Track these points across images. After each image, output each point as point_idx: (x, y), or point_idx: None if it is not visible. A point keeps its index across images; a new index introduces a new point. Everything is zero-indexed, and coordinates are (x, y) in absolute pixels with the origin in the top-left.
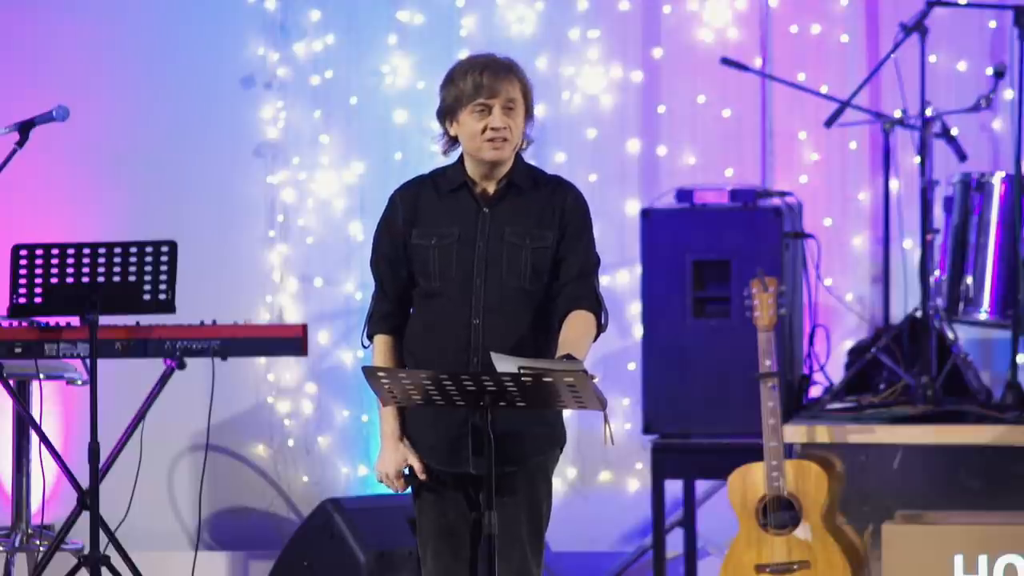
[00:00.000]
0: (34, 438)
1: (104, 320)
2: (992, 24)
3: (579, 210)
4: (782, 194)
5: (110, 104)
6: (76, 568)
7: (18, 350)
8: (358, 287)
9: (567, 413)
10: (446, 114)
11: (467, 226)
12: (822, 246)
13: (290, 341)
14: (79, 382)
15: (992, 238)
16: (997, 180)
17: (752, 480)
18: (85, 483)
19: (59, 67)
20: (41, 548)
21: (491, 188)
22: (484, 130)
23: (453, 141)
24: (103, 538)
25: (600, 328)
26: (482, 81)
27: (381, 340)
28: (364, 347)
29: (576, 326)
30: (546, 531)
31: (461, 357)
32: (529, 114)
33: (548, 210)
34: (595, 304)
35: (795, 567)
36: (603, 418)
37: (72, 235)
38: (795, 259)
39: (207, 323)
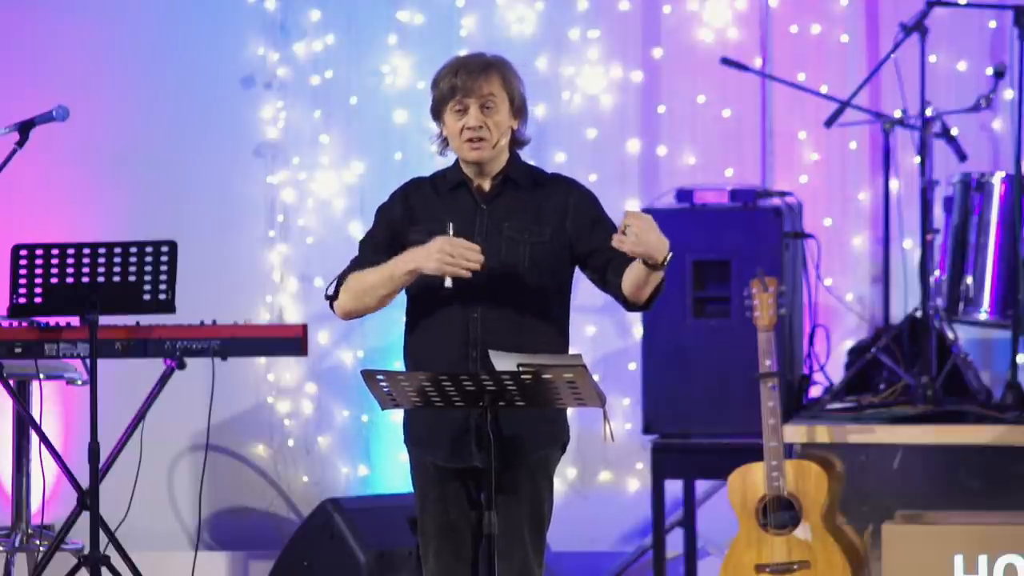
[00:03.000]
0: (34, 438)
1: (104, 320)
2: (992, 24)
3: (588, 202)
4: (782, 194)
5: (110, 104)
6: (76, 568)
7: (18, 350)
8: None
9: (568, 413)
10: (435, 116)
11: (465, 222)
12: (822, 246)
13: (290, 341)
14: (79, 382)
15: (992, 238)
16: (997, 180)
17: (752, 480)
18: (85, 483)
19: (59, 67)
20: (41, 548)
21: (487, 185)
22: (463, 130)
23: (447, 142)
24: (103, 538)
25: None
26: (457, 81)
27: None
28: (327, 297)
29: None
30: (548, 530)
31: (460, 350)
32: (519, 112)
33: (549, 207)
34: None
35: (795, 567)
36: (603, 415)
37: (72, 235)
38: (795, 259)
39: (207, 323)
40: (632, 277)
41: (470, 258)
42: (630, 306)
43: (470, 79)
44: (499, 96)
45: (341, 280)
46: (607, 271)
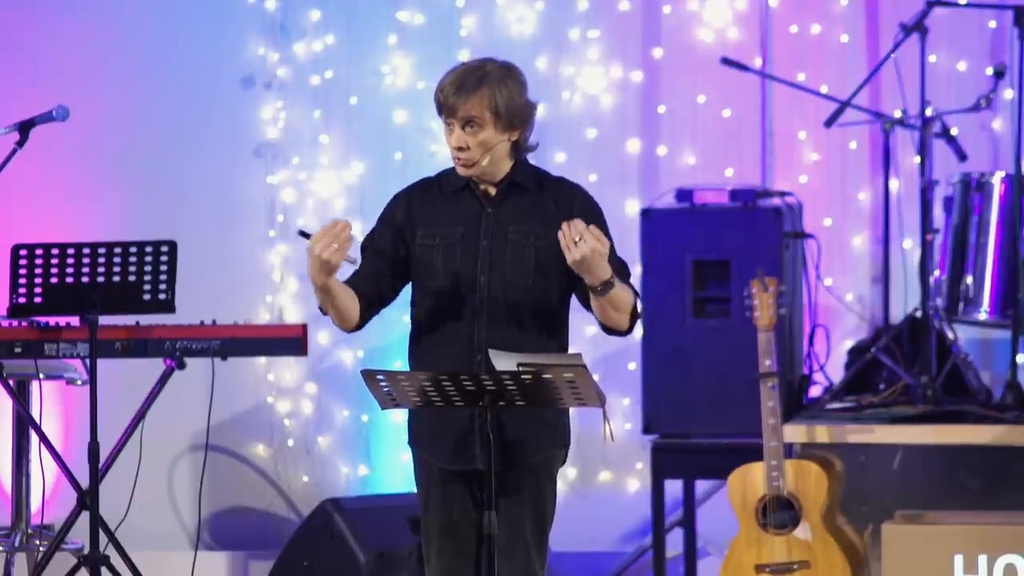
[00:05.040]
0: (34, 438)
1: (104, 320)
2: (992, 24)
3: (590, 212)
4: (782, 194)
5: (110, 104)
6: (76, 568)
7: (18, 350)
8: None
9: (570, 414)
10: None
11: (471, 226)
12: (822, 246)
13: (290, 341)
14: (79, 382)
15: (992, 238)
16: (997, 180)
17: (752, 480)
18: (85, 483)
19: (59, 67)
20: (41, 548)
21: (492, 190)
22: (451, 147)
23: None
24: (103, 538)
25: (636, 307)
26: (443, 98)
27: None
28: (322, 312)
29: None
30: (550, 530)
31: (464, 355)
32: (512, 125)
33: (553, 210)
34: (629, 284)
35: (795, 567)
36: (602, 415)
37: (72, 235)
38: (795, 259)
39: (207, 323)
40: (592, 303)
41: (338, 235)
42: (607, 331)
43: (453, 98)
44: (481, 116)
45: None
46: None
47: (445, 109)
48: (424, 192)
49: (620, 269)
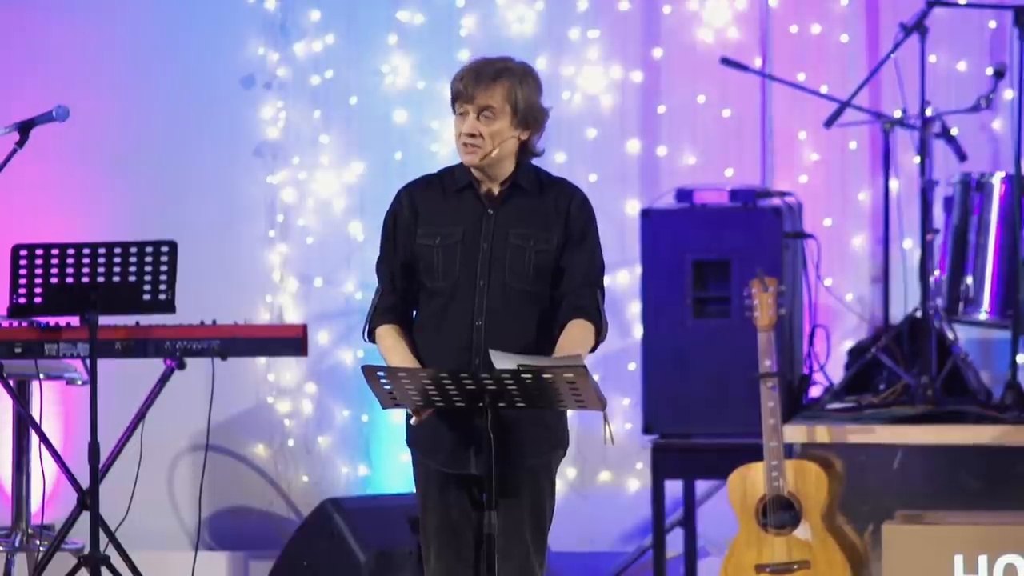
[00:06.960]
0: (34, 438)
1: (104, 320)
2: (992, 24)
3: (583, 217)
4: (782, 194)
5: (110, 104)
6: (76, 568)
7: (18, 350)
8: (358, 287)
9: (568, 415)
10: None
11: (471, 226)
12: (822, 246)
13: (290, 341)
14: (79, 382)
15: (992, 238)
16: (997, 180)
17: (752, 480)
18: (85, 483)
19: (59, 67)
20: (41, 548)
21: (495, 189)
22: (461, 134)
23: None
24: (103, 538)
25: (598, 338)
26: (461, 86)
27: (389, 329)
28: (366, 341)
29: (571, 334)
30: (549, 530)
31: (463, 357)
32: (525, 124)
33: (552, 212)
34: (595, 315)
35: (795, 567)
36: (603, 417)
37: (72, 235)
38: (795, 259)
39: (207, 323)
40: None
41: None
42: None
43: (472, 86)
44: (499, 107)
45: (373, 322)
46: (561, 304)
47: (462, 96)
48: (426, 188)
49: (587, 277)
